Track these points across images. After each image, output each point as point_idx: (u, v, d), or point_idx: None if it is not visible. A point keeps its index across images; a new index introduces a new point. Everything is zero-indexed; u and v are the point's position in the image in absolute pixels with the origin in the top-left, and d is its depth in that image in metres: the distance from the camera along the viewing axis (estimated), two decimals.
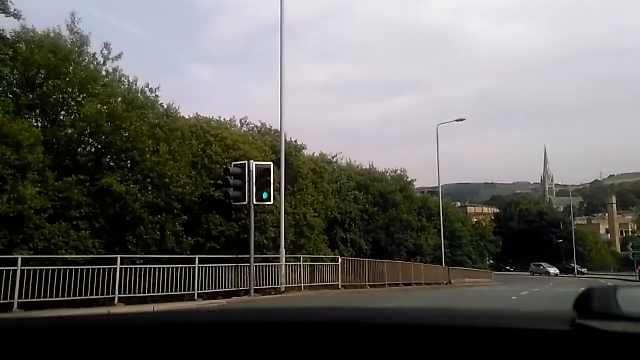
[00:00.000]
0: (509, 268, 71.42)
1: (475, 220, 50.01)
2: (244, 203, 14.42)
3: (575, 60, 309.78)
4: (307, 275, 18.15)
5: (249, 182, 14.01)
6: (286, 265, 17.16)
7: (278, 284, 16.31)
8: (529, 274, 60.65)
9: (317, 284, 18.12)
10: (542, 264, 63.45)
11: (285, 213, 19.96)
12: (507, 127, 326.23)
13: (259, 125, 23.96)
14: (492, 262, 65.14)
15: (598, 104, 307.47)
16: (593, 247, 73.93)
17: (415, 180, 39.22)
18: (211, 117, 21.41)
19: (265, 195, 14.11)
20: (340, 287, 19.11)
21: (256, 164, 14.28)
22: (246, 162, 14.46)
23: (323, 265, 19.32)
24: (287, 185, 21.56)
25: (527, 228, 73.92)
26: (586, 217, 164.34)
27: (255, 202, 14.23)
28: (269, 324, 1.21)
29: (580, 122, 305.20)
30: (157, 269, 13.56)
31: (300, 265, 17.96)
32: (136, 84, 17.09)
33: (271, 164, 14.70)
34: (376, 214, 35.81)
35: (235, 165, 14.41)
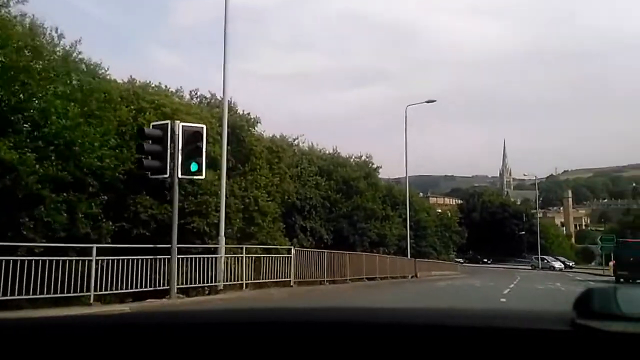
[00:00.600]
0: (486, 260, 68.79)
1: (440, 210, 47.97)
2: (165, 176, 11.10)
3: (534, 58, 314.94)
4: (251, 269, 14.95)
5: (173, 148, 10.63)
6: (227, 258, 14.01)
7: (215, 281, 13.21)
8: (513, 266, 56.09)
9: (265, 280, 15.12)
10: (546, 257, 59.99)
11: (233, 195, 16.93)
12: (467, 121, 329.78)
13: (209, 96, 20.72)
14: (470, 253, 63.43)
15: (554, 102, 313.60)
16: (554, 240, 73.51)
17: (381, 167, 36.56)
18: (149, 82, 18.05)
19: (194, 167, 10.65)
20: (292, 283, 16.10)
21: (183, 126, 10.73)
22: (168, 122, 11.01)
23: (272, 257, 16.11)
24: (237, 164, 18.48)
25: (489, 219, 72.75)
26: (542, 210, 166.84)
27: (180, 175, 10.84)
28: (267, 324, 1.19)
29: (536, 118, 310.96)
30: (39, 262, 10.21)
31: (243, 258, 14.68)
32: (45, 29, 13.63)
33: (203, 126, 11.23)
34: (338, 201, 33.07)
35: (154, 126, 10.98)
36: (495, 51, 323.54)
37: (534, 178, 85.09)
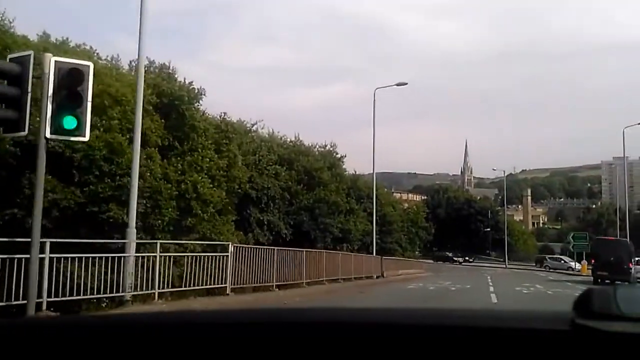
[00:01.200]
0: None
1: (407, 205, 45.47)
2: (22, 134, 7.42)
3: (496, 59, 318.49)
4: (169, 274, 11.14)
5: (41, 93, 6.96)
6: (141, 258, 10.54)
7: (121, 290, 9.75)
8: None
9: (192, 287, 11.35)
10: (562, 257, 56.48)
11: (165, 179, 13.71)
12: (429, 119, 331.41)
13: (147, 63, 17.28)
14: (435, 250, 60.82)
15: (514, 102, 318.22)
16: (520, 237, 72.32)
17: (345, 156, 33.68)
18: (66, 39, 14.59)
19: (69, 122, 6.85)
20: (229, 291, 12.18)
21: (57, 61, 7.04)
22: (31, 52, 7.27)
23: (203, 257, 11.99)
24: (174, 142, 15.23)
25: (454, 216, 70.89)
26: (500, 207, 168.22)
27: (49, 134, 7.15)
28: (265, 325, 1.18)
29: (497, 118, 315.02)
30: None
31: (156, 258, 10.52)
32: None
33: (90, 64, 7.54)
34: (300, 193, 30.04)
35: (11, 59, 7.23)
36: (458, 51, 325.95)
37: (502, 174, 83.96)
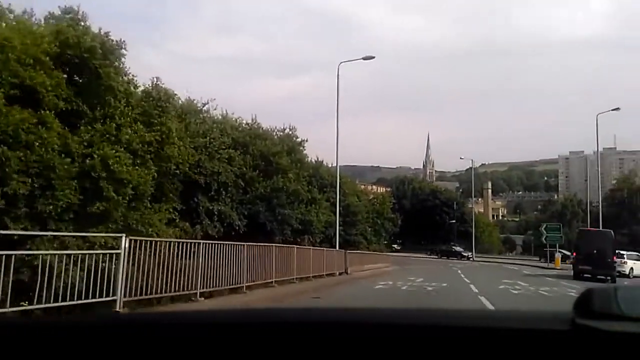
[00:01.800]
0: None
1: (373, 195, 42.72)
2: None
3: (458, 55, 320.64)
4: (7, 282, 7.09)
5: None
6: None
7: None
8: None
9: (62, 303, 6.95)
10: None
11: (65, 153, 10.40)
12: (393, 113, 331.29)
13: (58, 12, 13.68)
14: (398, 242, 57.83)
15: (473, 98, 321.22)
16: (485, 229, 70.73)
17: (306, 140, 30.64)
18: None
19: None
20: (121, 306, 7.93)
21: None
22: None
23: (83, 257, 7.59)
24: (84, 106, 11.84)
25: (420, 207, 68.62)
26: (465, 199, 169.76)
27: None
28: (264, 325, 1.17)
29: (457, 114, 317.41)
30: None
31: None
32: None
33: None
34: (255, 180, 26.78)
35: None
36: (422, 46, 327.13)
37: (465, 166, 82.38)
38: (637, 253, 29.66)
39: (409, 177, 77.54)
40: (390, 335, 1.05)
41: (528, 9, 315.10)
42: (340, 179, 31.23)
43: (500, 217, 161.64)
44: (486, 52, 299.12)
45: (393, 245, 61.30)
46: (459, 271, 28.28)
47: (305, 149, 31.28)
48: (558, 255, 35.82)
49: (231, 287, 11.24)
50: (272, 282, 13.10)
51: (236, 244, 12.94)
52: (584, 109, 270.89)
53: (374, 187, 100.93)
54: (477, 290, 14.43)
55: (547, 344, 0.98)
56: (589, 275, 22.75)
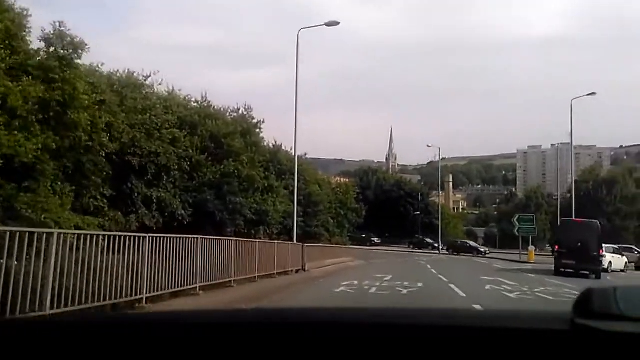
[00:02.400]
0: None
1: (336, 184, 39.78)
2: None
3: (418, 50, 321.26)
4: None
5: None
6: None
7: None
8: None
9: None
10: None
11: None
12: (356, 107, 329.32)
13: None
14: (358, 233, 54.39)
15: (434, 93, 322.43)
16: (450, 221, 68.88)
17: (263, 121, 27.45)
18: None
19: None
20: None
21: None
22: None
23: None
24: None
25: (384, 198, 66.12)
26: (429, 192, 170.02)
27: None
28: (264, 325, 1.16)
29: (418, 108, 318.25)
30: None
31: None
32: None
33: None
34: (203, 165, 23.49)
35: None
36: (383, 41, 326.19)
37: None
38: (614, 246, 27.83)
39: (373, 168, 74.59)
40: (390, 335, 1.04)
41: (487, 7, 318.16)
42: (299, 166, 28.17)
43: (461, 210, 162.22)
44: (447, 49, 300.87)
45: (373, 239, 57.94)
46: (429, 266, 25.70)
47: (262, 132, 28.14)
48: (532, 248, 33.91)
49: (134, 297, 7.96)
50: (196, 288, 9.73)
51: (185, 237, 9.88)
52: (540, 106, 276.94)
53: (337, 177, 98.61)
54: (463, 294, 11.65)
55: (546, 344, 0.98)
56: (572, 270, 20.52)
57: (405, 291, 12.11)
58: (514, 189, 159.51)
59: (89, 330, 1.17)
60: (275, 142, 30.21)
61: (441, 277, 17.06)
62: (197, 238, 10.38)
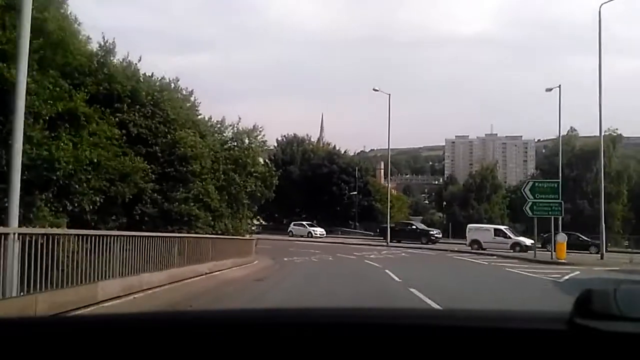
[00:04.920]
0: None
1: (233, 134, 24.75)
2: None
3: (351, 42, 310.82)
4: None
5: None
6: None
7: None
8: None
9: None
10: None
11: None
12: (290, 95, 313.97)
13: None
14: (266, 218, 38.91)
15: (365, 85, 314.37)
16: (395, 203, 55.60)
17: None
18: None
19: None
20: None
21: None
22: None
23: None
24: None
25: (312, 175, 51.47)
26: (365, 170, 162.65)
27: None
28: (264, 325, 1.10)
29: (349, 99, 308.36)
30: None
31: None
32: None
33: None
34: None
35: None
36: (319, 31, 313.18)
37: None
38: None
39: (299, 137, 57.51)
40: (390, 335, 1.00)
41: (415, 5, 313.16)
42: (160, 92, 13.42)
43: None
44: (378, 42, 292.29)
45: (314, 229, 41.17)
46: (387, 271, 12.20)
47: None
48: (562, 238, 19.89)
49: None
50: None
51: None
52: (466, 100, 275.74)
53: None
54: None
55: (546, 344, 0.96)
56: None
57: None
58: (441, 179, 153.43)
59: (85, 329, 1.10)
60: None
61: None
62: None
